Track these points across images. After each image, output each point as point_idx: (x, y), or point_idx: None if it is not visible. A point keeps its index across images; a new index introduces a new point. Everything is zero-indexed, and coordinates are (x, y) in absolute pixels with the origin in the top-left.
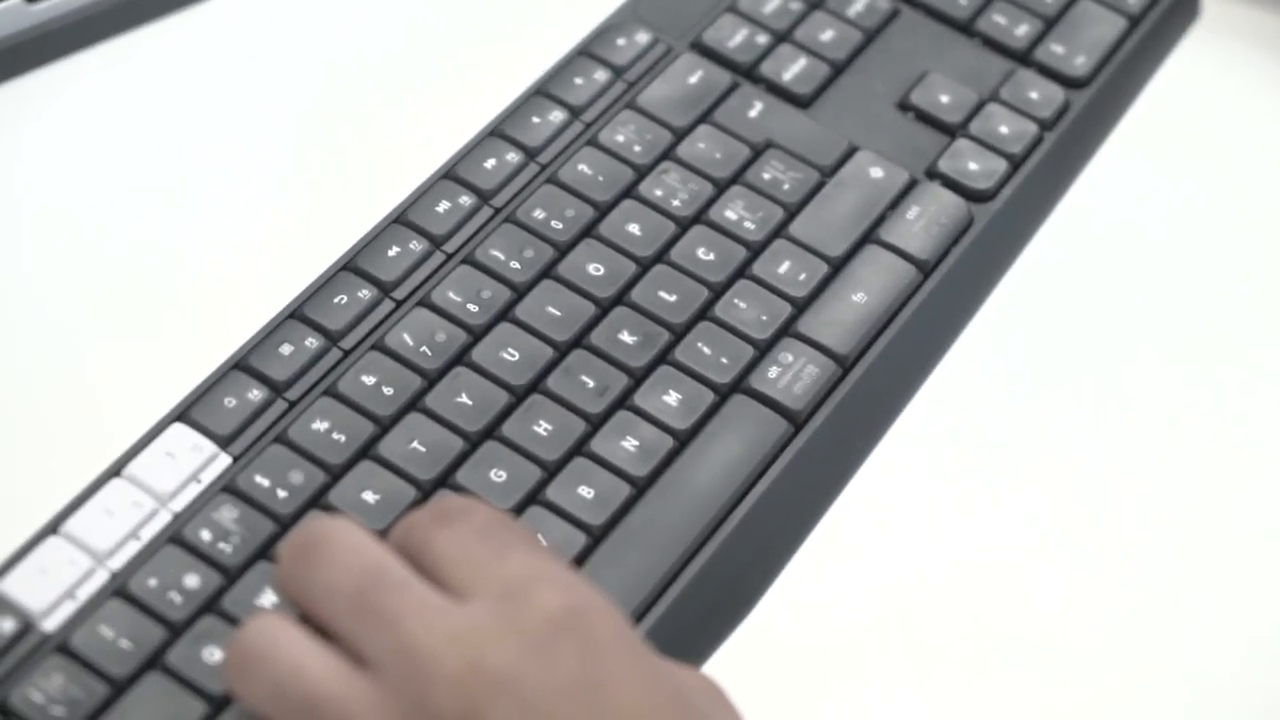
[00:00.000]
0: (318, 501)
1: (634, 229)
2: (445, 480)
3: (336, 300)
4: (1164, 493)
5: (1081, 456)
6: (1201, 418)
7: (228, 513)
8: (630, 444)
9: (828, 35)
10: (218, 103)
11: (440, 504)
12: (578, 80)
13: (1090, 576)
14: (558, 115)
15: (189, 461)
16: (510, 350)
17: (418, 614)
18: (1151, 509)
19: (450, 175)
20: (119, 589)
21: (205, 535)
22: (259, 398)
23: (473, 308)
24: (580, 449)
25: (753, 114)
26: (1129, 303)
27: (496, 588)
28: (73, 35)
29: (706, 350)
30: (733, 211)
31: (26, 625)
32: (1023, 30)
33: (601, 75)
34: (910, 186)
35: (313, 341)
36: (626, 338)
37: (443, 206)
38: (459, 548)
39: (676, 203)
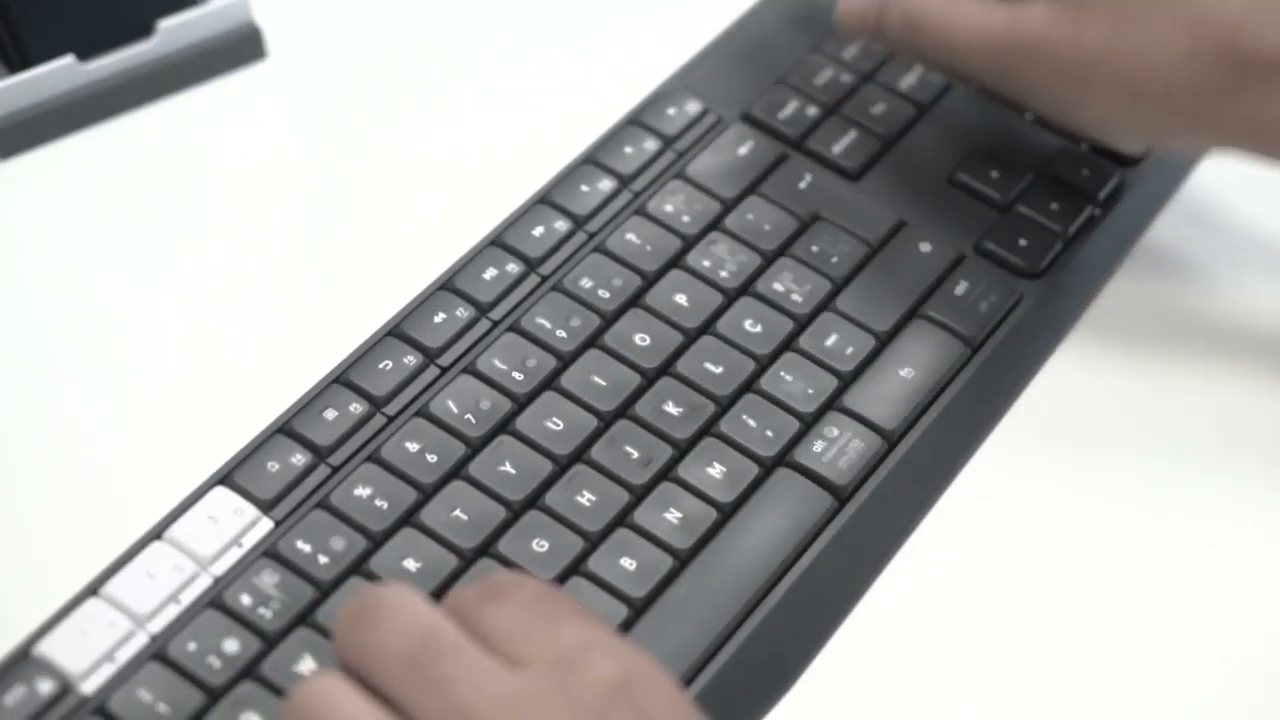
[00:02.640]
0: (359, 568)
1: (681, 299)
2: (487, 549)
3: (381, 365)
4: (1217, 587)
5: (1132, 537)
6: (1255, 509)
7: (268, 577)
8: (673, 516)
9: (879, 108)
10: (265, 162)
11: (488, 580)
12: (627, 149)
13: (1144, 662)
14: (607, 184)
15: (231, 525)
16: (555, 419)
17: (471, 678)
18: (1206, 603)
19: (498, 242)
20: (158, 652)
21: (245, 600)
22: (302, 462)
23: (518, 376)
24: (623, 520)
25: (802, 186)
26: (1179, 384)
27: (549, 655)
28: (123, 95)
29: (751, 423)
30: (780, 284)
31: (65, 687)
32: None
33: (651, 144)
34: (959, 261)
35: (356, 407)
36: (671, 409)
37: (490, 274)
38: (509, 621)
39: (724, 274)
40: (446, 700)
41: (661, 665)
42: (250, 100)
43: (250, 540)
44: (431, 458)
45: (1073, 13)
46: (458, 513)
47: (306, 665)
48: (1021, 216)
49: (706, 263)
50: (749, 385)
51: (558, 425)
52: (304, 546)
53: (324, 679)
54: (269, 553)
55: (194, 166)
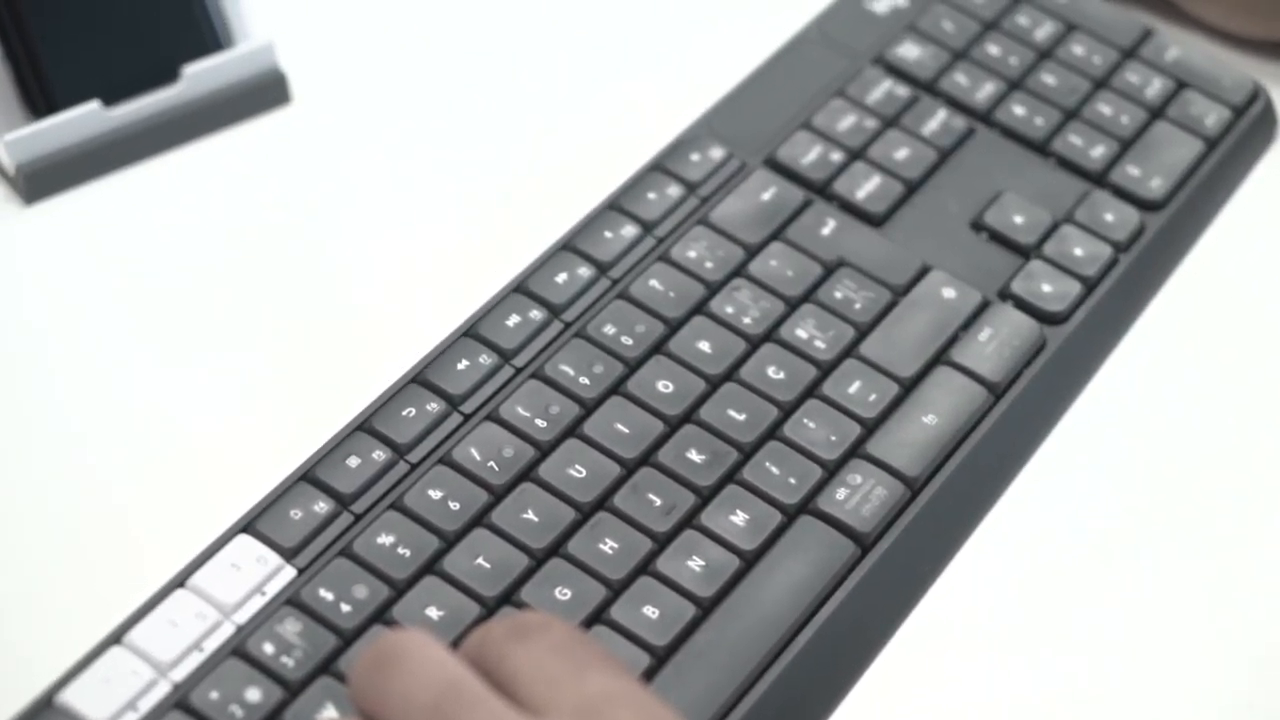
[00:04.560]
0: (381, 616)
1: (704, 346)
2: (509, 597)
3: (404, 413)
4: (1244, 626)
5: (1155, 586)
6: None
7: (291, 626)
8: (696, 564)
9: (902, 154)
10: (290, 206)
11: (517, 618)
12: (651, 195)
13: (1169, 704)
14: (630, 230)
15: (253, 573)
16: (578, 467)
17: None
18: (1232, 640)
19: (521, 289)
20: (180, 701)
21: (268, 648)
22: (324, 510)
23: (541, 423)
24: (646, 568)
25: (825, 232)
26: (1203, 426)
27: (572, 706)
28: (148, 140)
29: (775, 470)
30: (804, 330)
31: None
32: (1099, 152)
33: (674, 190)
34: (983, 308)
35: (380, 454)
36: (694, 456)
37: (513, 320)
38: (535, 664)
39: (747, 320)
40: None
41: (684, 715)
42: (275, 146)
43: (273, 588)
44: (454, 505)
45: None
46: (480, 560)
47: (328, 714)
48: (1045, 261)
49: (730, 309)
50: (772, 432)
51: (580, 473)
52: (326, 594)
53: None
54: (291, 601)
55: (218, 212)
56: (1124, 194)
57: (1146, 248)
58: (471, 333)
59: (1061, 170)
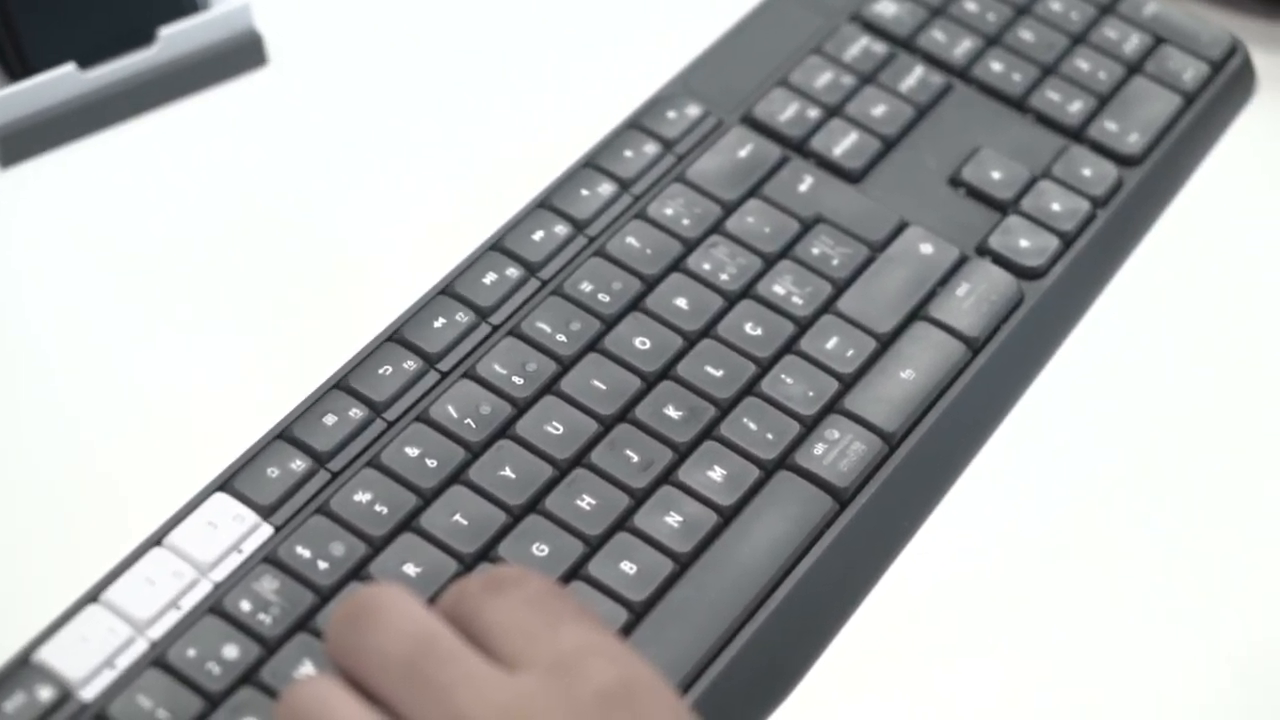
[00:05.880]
0: (358, 573)
1: (681, 303)
2: (487, 554)
3: (381, 371)
4: (1217, 578)
5: (1134, 536)
6: (1253, 503)
7: (268, 583)
8: (674, 520)
9: (879, 110)
10: (266, 169)
11: (493, 572)
12: (627, 153)
13: (1147, 659)
14: (607, 188)
15: (230, 531)
16: (555, 424)
17: (468, 684)
18: (1207, 595)
19: (498, 247)
20: (158, 659)
21: (245, 606)
22: (302, 468)
23: (518, 380)
24: (623, 524)
25: (803, 188)
26: (1180, 382)
27: (548, 659)
28: (125, 103)
29: (752, 426)
30: (781, 286)
31: (65, 694)
32: (1076, 107)
33: (651, 148)
34: (960, 263)
35: (356, 412)
36: (672, 412)
37: (489, 278)
38: (511, 617)
39: (724, 277)
40: (445, 707)
41: (661, 671)
42: (251, 107)
43: (250, 546)
44: (431, 462)
45: None
46: (458, 517)
47: (306, 671)
48: (1023, 216)
49: (707, 266)
50: (749, 388)
51: (558, 429)
52: (304, 552)
53: (317, 682)
54: (269, 558)
55: (195, 174)
56: (1102, 149)
57: (1124, 203)
58: (448, 290)
59: (1039, 126)
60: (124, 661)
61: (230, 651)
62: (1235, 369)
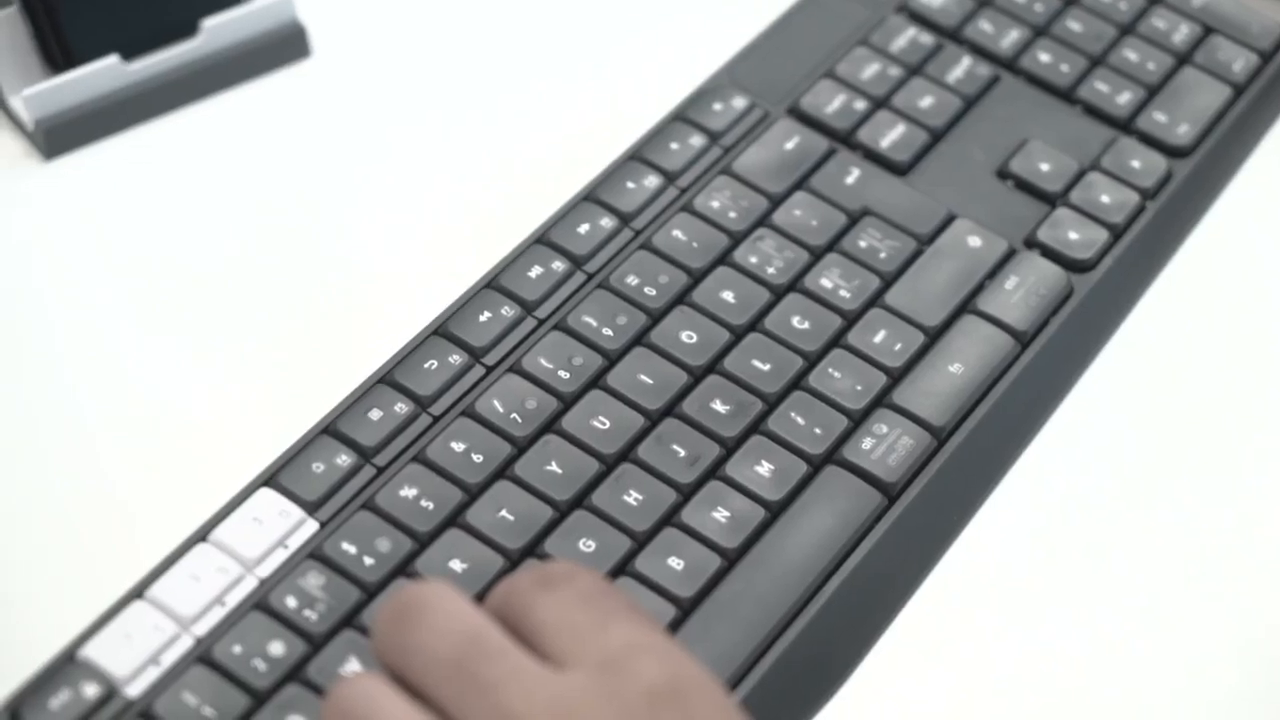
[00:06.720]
0: (404, 569)
1: (728, 296)
2: (533, 550)
3: (427, 365)
4: (1270, 571)
5: (1184, 532)
6: None
7: (314, 579)
8: (721, 515)
9: (926, 102)
10: (310, 160)
11: (543, 568)
12: (673, 145)
13: (1197, 660)
14: (653, 180)
15: (276, 527)
16: (601, 418)
17: (516, 682)
18: (1258, 590)
19: (544, 240)
20: (203, 655)
21: (291, 602)
22: (347, 463)
23: (564, 375)
24: (670, 519)
25: (849, 181)
26: (1230, 375)
27: (597, 657)
28: (168, 95)
29: (800, 420)
30: (828, 280)
31: (110, 691)
32: (1125, 98)
33: (697, 140)
34: (1009, 256)
35: (402, 407)
36: (719, 407)
37: (535, 272)
38: (560, 614)
39: (771, 270)
40: (493, 705)
41: (709, 667)
42: (295, 100)
43: (295, 542)
44: (477, 458)
45: None
46: (504, 513)
47: (352, 667)
48: (1072, 209)
49: (754, 259)
50: (797, 383)
51: (604, 424)
52: (349, 548)
53: (365, 680)
54: (314, 554)
55: (237, 167)
56: (1151, 141)
57: (1174, 195)
58: (494, 284)
59: (1087, 117)
60: (169, 658)
61: (276, 648)
62: None
